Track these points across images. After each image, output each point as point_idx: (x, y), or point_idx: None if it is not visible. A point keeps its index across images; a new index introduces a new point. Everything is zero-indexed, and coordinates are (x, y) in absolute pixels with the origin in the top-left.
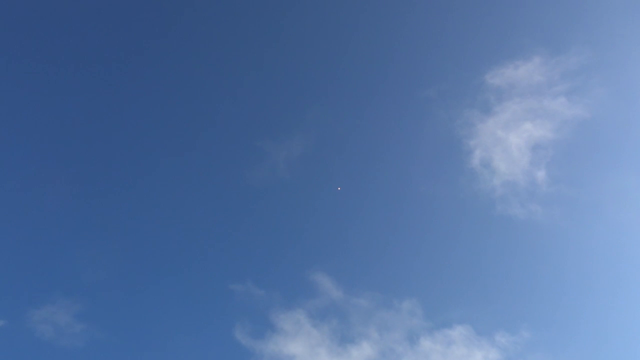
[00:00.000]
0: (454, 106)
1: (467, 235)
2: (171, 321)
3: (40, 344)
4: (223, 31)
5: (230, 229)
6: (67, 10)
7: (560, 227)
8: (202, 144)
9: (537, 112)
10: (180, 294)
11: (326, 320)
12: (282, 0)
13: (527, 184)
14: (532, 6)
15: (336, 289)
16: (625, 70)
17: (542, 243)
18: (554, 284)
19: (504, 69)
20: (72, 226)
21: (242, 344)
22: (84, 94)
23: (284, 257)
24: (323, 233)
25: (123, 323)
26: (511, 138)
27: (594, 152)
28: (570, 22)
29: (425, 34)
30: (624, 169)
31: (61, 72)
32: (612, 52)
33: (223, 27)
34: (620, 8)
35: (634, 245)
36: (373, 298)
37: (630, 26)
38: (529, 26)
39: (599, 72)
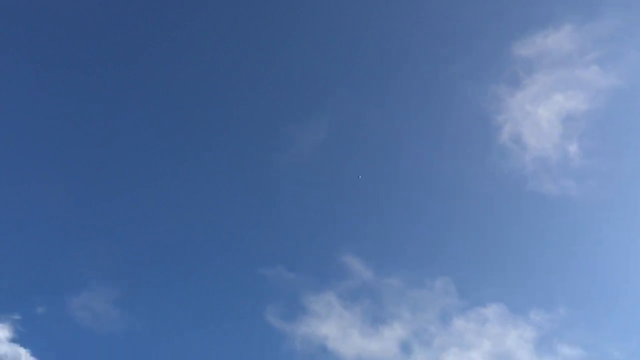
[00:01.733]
0: (481, 81)
1: (499, 213)
2: (204, 306)
3: (79, 330)
4: (246, 19)
5: (259, 213)
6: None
7: (595, 202)
8: (228, 130)
9: (568, 83)
10: (212, 279)
11: (358, 302)
12: None
13: (559, 159)
14: None
15: (366, 270)
16: None
17: (576, 219)
18: (590, 260)
19: (532, 39)
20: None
21: (274, 326)
22: (96, 92)
23: (312, 240)
24: (351, 214)
25: (157, 309)
26: (541, 111)
27: (629, 121)
28: None
29: (449, 6)
30: None
31: (68, 69)
32: None
33: (246, 15)
34: None
35: None
36: (404, 278)
37: None
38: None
39: (634, 37)
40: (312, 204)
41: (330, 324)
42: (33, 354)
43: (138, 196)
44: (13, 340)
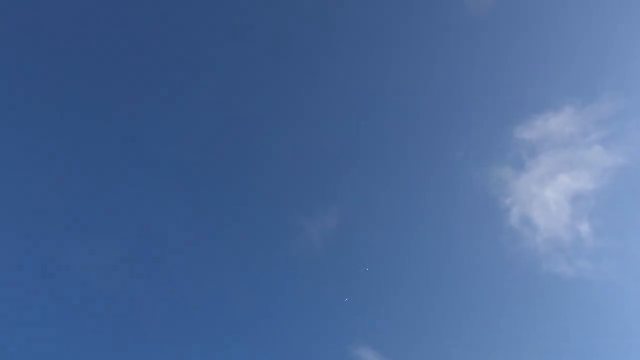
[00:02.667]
0: (485, 164)
1: (515, 297)
2: None
3: None
4: (254, 111)
5: (267, 303)
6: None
7: (612, 283)
8: (238, 221)
9: (572, 164)
10: None
11: None
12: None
13: (571, 239)
14: (558, 56)
15: None
16: None
17: (594, 301)
18: (612, 342)
19: (533, 122)
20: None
21: None
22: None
23: (323, 332)
24: (363, 305)
25: None
26: (548, 192)
27: (638, 199)
28: (599, 70)
29: (450, 92)
30: None
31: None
32: None
33: (255, 107)
34: None
35: None
36: None
37: None
38: (556, 77)
39: (635, 117)
40: (322, 294)
41: None
42: None
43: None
44: None
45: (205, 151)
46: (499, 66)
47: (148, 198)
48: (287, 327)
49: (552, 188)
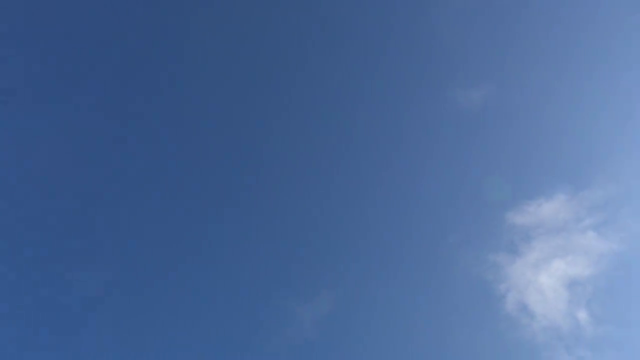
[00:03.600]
0: (479, 250)
1: None
2: None
3: None
4: (248, 196)
5: None
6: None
7: None
8: (227, 306)
9: (567, 249)
10: None
11: None
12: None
13: (570, 327)
14: (549, 144)
15: None
16: None
17: None
18: None
19: (526, 208)
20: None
21: None
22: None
23: None
24: None
25: None
26: (544, 278)
27: (636, 286)
28: (590, 157)
29: (443, 180)
30: None
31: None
32: (639, 183)
33: (247, 193)
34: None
35: None
36: None
37: None
38: (548, 164)
39: (627, 204)
40: None
41: None
42: None
43: None
44: None
45: (197, 233)
46: (491, 154)
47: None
48: None
49: (548, 274)
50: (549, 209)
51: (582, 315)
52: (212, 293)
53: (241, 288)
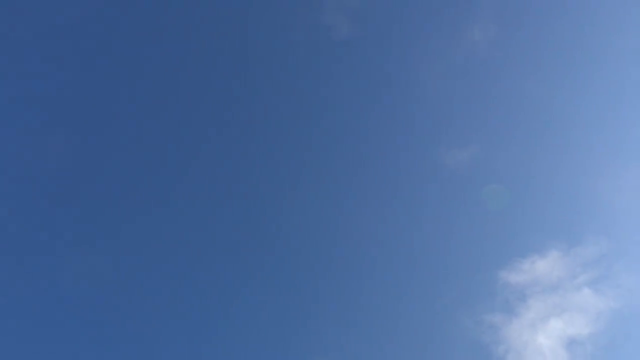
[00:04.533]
0: (475, 311)
1: None
2: None
3: None
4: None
5: None
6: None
7: None
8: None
9: (563, 307)
10: None
11: None
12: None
13: None
14: (540, 202)
15: None
16: None
17: None
18: None
19: (520, 265)
20: None
21: None
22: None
23: None
24: None
25: None
26: (542, 338)
27: (635, 343)
28: (582, 213)
29: (433, 239)
30: None
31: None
32: (631, 239)
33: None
34: (631, 197)
35: None
36: None
37: None
38: (540, 221)
39: (620, 260)
40: None
41: None
42: None
43: None
44: None
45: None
46: (482, 213)
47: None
48: None
49: (546, 334)
50: (543, 266)
51: None
52: (208, 291)
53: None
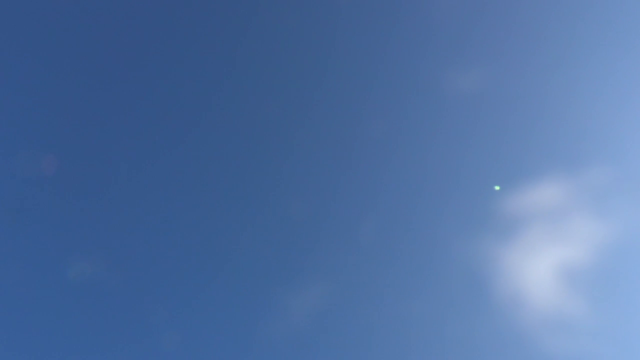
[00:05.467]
0: (470, 238)
1: None
2: None
3: None
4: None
5: None
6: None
7: None
8: (218, 299)
9: (562, 235)
10: None
11: None
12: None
13: (566, 317)
14: (543, 125)
15: None
16: None
17: None
18: None
19: (519, 192)
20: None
21: None
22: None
23: None
24: None
25: None
26: (537, 266)
27: (633, 273)
28: (588, 139)
29: (431, 166)
30: None
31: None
32: (635, 168)
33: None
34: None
35: None
36: None
37: None
38: (542, 146)
39: (624, 187)
40: None
41: None
42: None
43: None
44: None
45: (189, 224)
46: (480, 137)
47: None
48: None
49: (542, 262)
50: (543, 193)
51: (577, 304)
52: (202, 286)
53: (234, 281)
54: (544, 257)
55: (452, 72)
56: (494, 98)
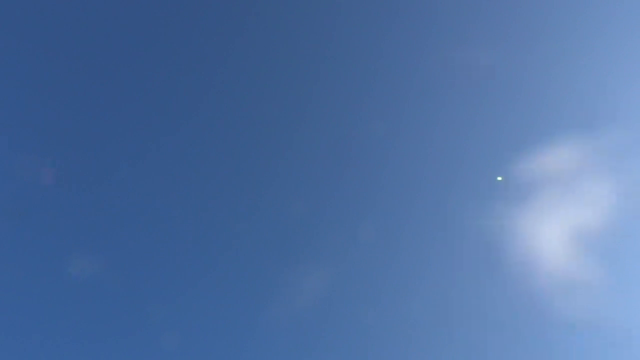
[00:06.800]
0: (483, 201)
1: (520, 344)
2: None
3: None
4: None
5: None
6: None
7: (622, 326)
8: (223, 277)
9: (573, 197)
10: None
11: None
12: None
13: (579, 280)
14: (555, 87)
15: None
16: None
17: (605, 345)
18: None
19: (532, 156)
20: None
21: None
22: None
23: None
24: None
25: None
26: (549, 228)
27: None
28: (600, 101)
29: (443, 128)
30: None
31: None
32: None
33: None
34: None
35: None
36: None
37: None
38: (555, 107)
39: (637, 150)
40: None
41: None
42: None
43: None
44: None
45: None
46: (494, 99)
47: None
48: None
49: (555, 224)
50: (556, 156)
51: (590, 265)
52: (207, 261)
53: (238, 259)
54: (557, 219)
55: (466, 37)
56: (507, 63)
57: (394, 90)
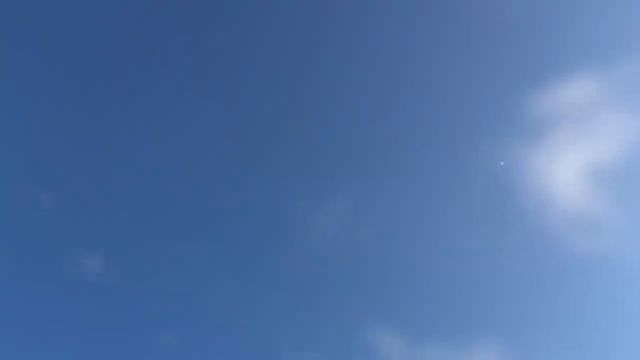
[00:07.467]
0: (495, 138)
1: (534, 281)
2: None
3: None
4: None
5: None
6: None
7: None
8: (236, 218)
9: (591, 134)
10: None
11: None
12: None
13: (594, 216)
14: (571, 20)
15: (399, 344)
16: None
17: (620, 281)
18: (638, 325)
19: (546, 89)
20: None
21: None
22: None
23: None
24: (378, 287)
25: None
26: (565, 165)
27: None
28: (617, 32)
29: (450, 60)
30: None
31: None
32: None
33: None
34: None
35: None
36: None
37: None
38: (571, 40)
39: None
40: (331, 278)
41: None
42: None
43: None
44: None
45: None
46: (511, 35)
47: (147, 194)
48: (290, 313)
49: (570, 161)
50: (572, 90)
51: (605, 203)
52: (222, 199)
53: (254, 197)
54: (573, 155)
55: None
56: None
57: (410, 24)
